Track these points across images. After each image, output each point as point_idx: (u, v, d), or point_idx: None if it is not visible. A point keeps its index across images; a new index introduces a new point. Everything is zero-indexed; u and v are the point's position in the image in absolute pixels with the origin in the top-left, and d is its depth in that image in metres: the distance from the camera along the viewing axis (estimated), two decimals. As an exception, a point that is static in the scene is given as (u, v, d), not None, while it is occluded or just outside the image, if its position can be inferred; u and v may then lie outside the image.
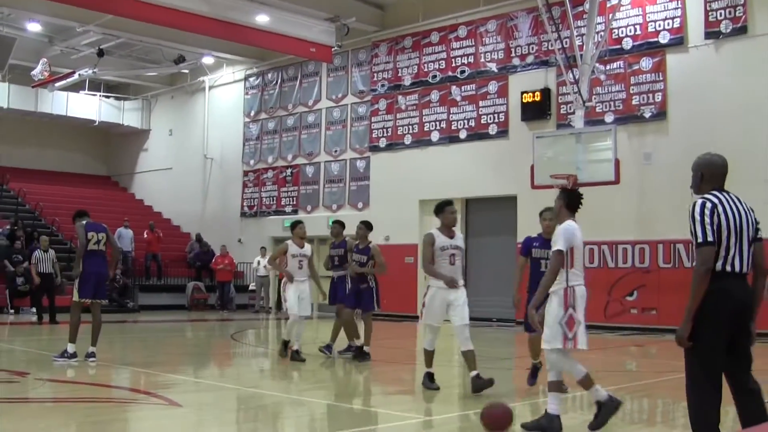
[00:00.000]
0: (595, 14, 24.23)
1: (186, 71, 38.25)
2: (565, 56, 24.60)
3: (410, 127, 30.40)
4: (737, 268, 6.53)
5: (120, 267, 32.34)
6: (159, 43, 33.39)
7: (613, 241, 24.82)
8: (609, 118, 25.14)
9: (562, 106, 26.30)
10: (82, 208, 15.83)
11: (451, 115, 29.19)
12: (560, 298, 8.86)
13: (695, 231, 6.51)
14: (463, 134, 28.77)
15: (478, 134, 28.34)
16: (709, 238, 6.42)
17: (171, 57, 35.30)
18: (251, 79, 37.16)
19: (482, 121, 28.28)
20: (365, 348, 15.63)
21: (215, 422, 9.80)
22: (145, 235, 34.84)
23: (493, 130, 27.99)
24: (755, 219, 6.76)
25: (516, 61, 27.68)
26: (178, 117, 40.93)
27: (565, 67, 24.54)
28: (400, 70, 30.98)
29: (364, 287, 15.83)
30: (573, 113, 24.65)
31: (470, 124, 28.60)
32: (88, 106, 41.10)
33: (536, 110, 26.70)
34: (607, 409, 8.63)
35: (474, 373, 11.36)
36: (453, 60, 29.34)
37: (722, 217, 6.49)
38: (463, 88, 28.95)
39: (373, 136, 31.67)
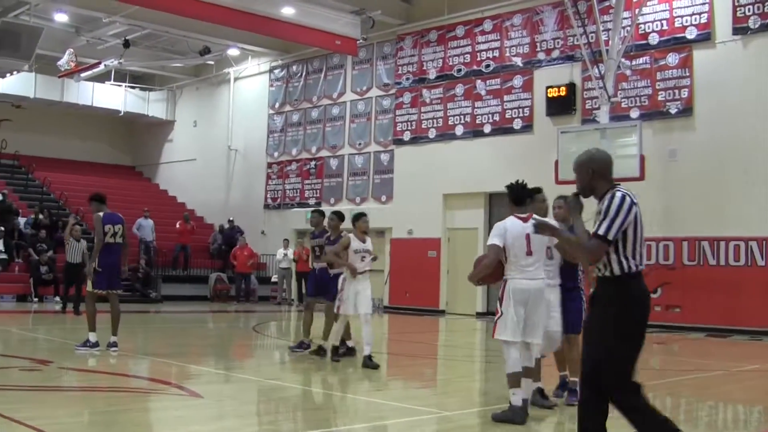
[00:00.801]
0: (622, 9, 24.10)
1: (211, 63, 38.29)
2: (590, 51, 24.48)
3: (434, 120, 30.34)
4: (643, 266, 6.35)
5: (143, 257, 32.50)
6: (185, 34, 33.40)
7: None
8: (634, 113, 25.00)
9: (587, 102, 26.18)
10: (101, 192, 15.55)
11: (475, 109, 29.11)
12: (501, 290, 9.36)
13: (603, 221, 6.17)
14: (487, 128, 28.69)
15: (502, 129, 28.25)
16: (610, 236, 6.13)
17: (196, 48, 35.28)
18: (276, 71, 37.15)
19: (507, 116, 28.20)
20: (348, 342, 15.04)
21: (235, 414, 9.78)
22: (177, 226, 34.98)
23: (517, 124, 27.90)
24: None
25: (541, 56, 27.57)
26: (203, 108, 40.97)
27: (590, 62, 24.44)
28: (425, 63, 30.92)
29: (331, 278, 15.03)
30: (598, 108, 24.52)
31: (495, 118, 28.52)
32: (114, 97, 41.24)
33: (561, 105, 26.60)
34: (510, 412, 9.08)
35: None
36: (478, 54, 29.25)
37: (637, 216, 6.27)
38: (488, 82, 28.86)
39: (398, 129, 31.62)
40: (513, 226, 9.31)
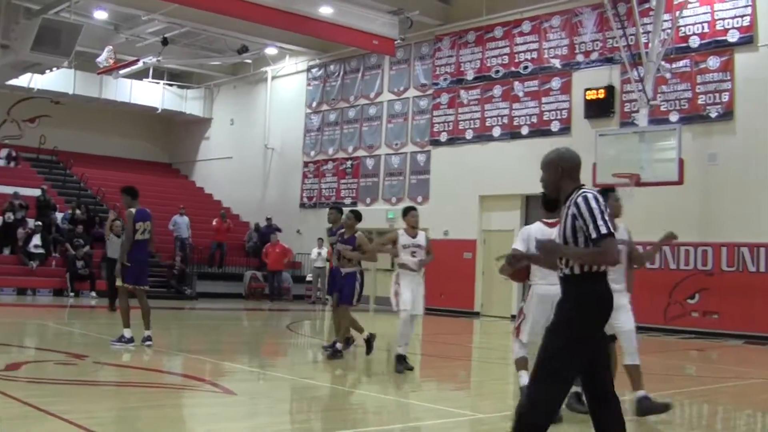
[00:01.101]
0: (662, 11, 23.93)
1: (249, 61, 38.34)
2: (630, 54, 24.31)
3: (472, 121, 30.25)
4: (604, 270, 6.19)
5: (179, 254, 32.60)
6: (223, 32, 33.46)
7: (675, 242, 24.41)
8: (674, 117, 24.81)
9: (626, 104, 26.01)
10: (134, 187, 15.57)
11: (513, 111, 29.00)
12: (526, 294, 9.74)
13: (595, 224, 6.00)
14: (524, 130, 28.56)
15: (540, 131, 28.11)
16: (608, 230, 5.97)
17: (234, 47, 35.38)
18: (314, 71, 37.16)
19: (544, 118, 28.07)
20: (337, 345, 14.62)
21: (268, 412, 9.75)
22: (214, 223, 35.09)
23: (555, 126, 27.77)
24: None
25: (580, 58, 27.42)
26: (240, 106, 41.06)
27: (630, 64, 24.27)
28: (462, 64, 30.83)
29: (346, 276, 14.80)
30: (637, 111, 24.37)
31: (532, 120, 28.40)
32: (152, 94, 41.42)
33: (600, 108, 26.43)
34: None
35: None
36: (516, 55, 29.14)
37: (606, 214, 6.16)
38: (525, 83, 28.74)
39: (434, 130, 31.55)
40: (537, 232, 9.40)
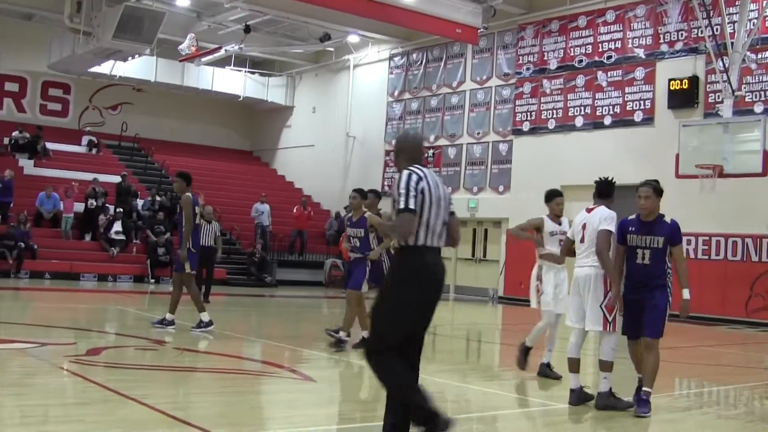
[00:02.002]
0: (748, 1, 23.66)
1: (331, 49, 38.48)
2: (715, 44, 24.04)
3: (554, 111, 30.10)
4: (436, 243, 6.66)
5: (259, 241, 32.86)
6: (305, 20, 33.51)
7: (758, 234, 24.10)
8: (758, 108, 24.45)
9: (710, 95, 25.67)
10: (189, 173, 15.76)
11: (596, 101, 28.79)
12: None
13: (399, 199, 6.51)
14: (607, 120, 28.35)
15: (623, 121, 27.88)
16: (411, 206, 6.45)
17: (316, 35, 35.53)
18: (396, 59, 37.16)
19: (627, 108, 27.82)
20: (341, 334, 13.99)
21: (347, 399, 9.86)
22: (295, 211, 35.26)
23: (638, 117, 27.51)
24: (450, 196, 6.94)
25: (664, 48, 27.11)
26: (322, 94, 41.19)
27: (715, 54, 23.99)
28: (545, 53, 30.67)
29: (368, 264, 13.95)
30: (721, 102, 24.10)
31: (615, 110, 28.17)
32: (233, 82, 41.69)
33: (683, 98, 26.11)
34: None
35: None
36: (600, 45, 28.92)
37: (426, 190, 6.58)
38: (609, 73, 28.51)
39: (517, 119, 31.44)
40: (578, 217, 10.02)
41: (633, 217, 9.73)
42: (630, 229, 9.63)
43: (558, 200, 11.91)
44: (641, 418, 9.04)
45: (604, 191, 10.02)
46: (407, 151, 6.95)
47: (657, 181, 9.80)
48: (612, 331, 9.47)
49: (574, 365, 9.69)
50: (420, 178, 6.55)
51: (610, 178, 10.11)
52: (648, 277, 9.41)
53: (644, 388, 9.29)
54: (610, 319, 9.42)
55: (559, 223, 11.87)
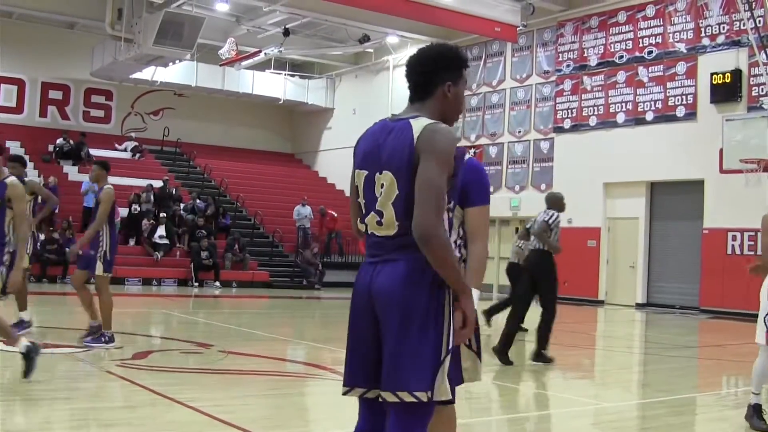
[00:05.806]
0: (792, -7, 23.46)
1: (370, 50, 38.51)
2: (758, 36, 23.86)
3: (595, 108, 29.96)
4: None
5: (314, 244, 33.04)
6: (344, 22, 33.60)
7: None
8: (803, 101, 24.27)
9: (753, 88, 25.45)
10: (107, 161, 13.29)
11: (637, 97, 28.63)
12: None
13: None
14: (649, 116, 28.18)
15: (665, 116, 27.69)
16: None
17: (356, 36, 35.62)
18: (435, 59, 37.04)
19: (669, 103, 27.64)
20: None
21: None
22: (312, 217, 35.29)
23: (680, 112, 27.32)
24: None
25: (706, 41, 26.91)
26: (362, 96, 41.18)
27: (757, 47, 23.82)
28: (585, 50, 30.54)
29: None
30: (765, 95, 23.91)
31: (657, 105, 28.00)
32: (274, 85, 41.84)
33: (726, 92, 25.89)
34: None
35: None
36: (640, 40, 28.76)
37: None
38: (650, 68, 28.35)
39: (558, 117, 31.34)
40: None
41: None
42: None
43: None
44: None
45: None
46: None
47: None
48: None
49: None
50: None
51: None
52: None
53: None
54: None
55: None
